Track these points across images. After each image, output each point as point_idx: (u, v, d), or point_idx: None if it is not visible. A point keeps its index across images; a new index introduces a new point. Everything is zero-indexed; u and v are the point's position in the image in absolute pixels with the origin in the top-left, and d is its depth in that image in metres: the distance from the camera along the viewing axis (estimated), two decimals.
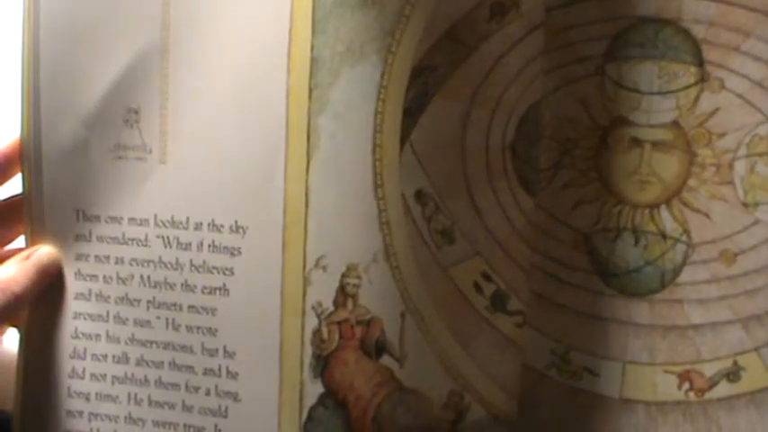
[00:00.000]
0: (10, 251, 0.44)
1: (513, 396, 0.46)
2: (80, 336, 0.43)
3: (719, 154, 0.44)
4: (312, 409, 0.42)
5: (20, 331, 0.43)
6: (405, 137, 0.43)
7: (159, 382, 0.42)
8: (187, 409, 0.42)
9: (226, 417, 0.42)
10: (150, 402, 0.42)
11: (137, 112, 0.42)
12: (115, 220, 0.42)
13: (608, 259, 0.46)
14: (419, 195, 0.44)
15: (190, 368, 0.42)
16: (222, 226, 0.41)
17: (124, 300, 0.42)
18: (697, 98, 0.44)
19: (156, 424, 0.42)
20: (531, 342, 0.46)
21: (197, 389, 0.42)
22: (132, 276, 0.42)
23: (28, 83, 0.42)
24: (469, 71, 0.45)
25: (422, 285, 0.44)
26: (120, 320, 0.42)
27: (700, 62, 0.44)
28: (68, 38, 0.42)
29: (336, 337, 0.42)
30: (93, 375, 0.43)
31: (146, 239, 0.42)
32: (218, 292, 0.41)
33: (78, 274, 0.43)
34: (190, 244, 0.42)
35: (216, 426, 0.42)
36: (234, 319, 0.41)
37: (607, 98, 0.45)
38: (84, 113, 0.42)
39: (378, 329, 0.42)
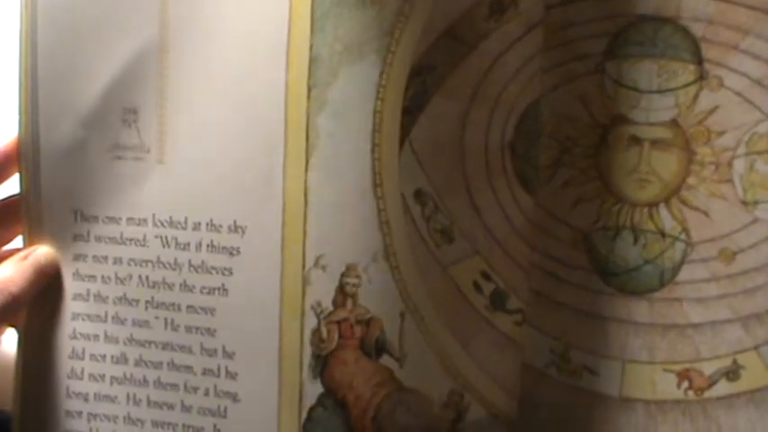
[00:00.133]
0: (8, 251, 0.44)
1: (513, 395, 0.46)
2: (78, 336, 0.43)
3: (719, 152, 0.44)
4: (311, 409, 0.42)
5: (18, 332, 0.43)
6: (404, 136, 0.43)
7: (158, 383, 0.42)
8: (186, 409, 0.42)
9: (225, 417, 0.41)
10: (149, 403, 0.42)
11: (135, 112, 0.41)
12: (113, 220, 0.42)
13: (607, 258, 0.46)
14: (418, 195, 0.44)
15: (189, 368, 0.42)
16: (221, 226, 0.41)
17: (122, 300, 0.42)
18: (696, 96, 0.44)
19: (155, 424, 0.42)
20: (531, 341, 0.46)
21: (196, 389, 0.42)
22: (131, 276, 0.42)
23: (26, 82, 0.42)
24: (468, 70, 0.45)
25: (421, 285, 0.44)
26: (119, 321, 0.42)
27: (699, 60, 0.44)
28: (66, 37, 0.41)
29: (336, 336, 0.42)
30: (91, 376, 0.43)
31: (144, 239, 0.42)
32: (216, 292, 0.41)
33: (76, 275, 0.43)
34: (188, 244, 0.41)
35: (215, 426, 0.42)
36: (233, 320, 0.41)
37: (606, 96, 0.45)
38: (83, 113, 0.42)
39: (377, 329, 0.42)
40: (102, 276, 0.42)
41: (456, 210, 0.45)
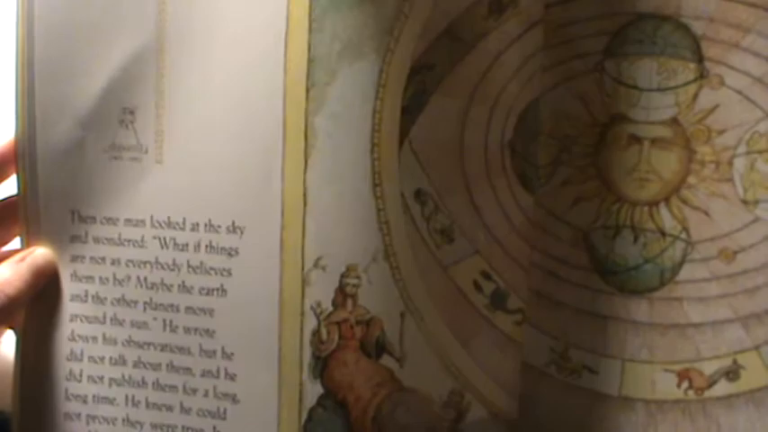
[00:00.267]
0: (5, 253, 0.43)
1: (513, 394, 0.46)
2: (77, 338, 0.42)
3: (719, 151, 0.44)
4: (312, 410, 0.41)
5: (16, 334, 0.43)
6: (403, 135, 0.43)
7: (157, 384, 0.42)
8: (185, 411, 0.42)
9: (224, 419, 0.41)
10: (148, 404, 0.42)
11: (132, 112, 0.41)
12: (111, 221, 0.42)
13: (607, 257, 0.45)
14: (418, 194, 0.44)
15: (188, 370, 0.42)
16: (219, 226, 0.41)
17: (121, 301, 0.42)
18: (696, 95, 0.44)
19: (155, 426, 0.42)
20: (531, 340, 0.46)
21: (195, 391, 0.42)
22: (129, 278, 0.42)
23: (23, 82, 0.42)
24: (468, 69, 0.44)
25: (421, 285, 0.43)
26: (117, 322, 0.42)
27: (699, 58, 0.44)
28: (63, 37, 0.41)
29: (336, 337, 0.42)
30: (90, 377, 0.42)
31: (142, 240, 0.42)
32: (215, 293, 0.41)
33: (74, 276, 0.42)
34: (187, 245, 0.41)
35: (215, 428, 0.41)
36: (232, 321, 0.41)
37: (606, 95, 0.45)
38: (80, 113, 0.41)
39: (377, 329, 0.42)
40: (101, 277, 0.42)
41: (456, 209, 0.45)
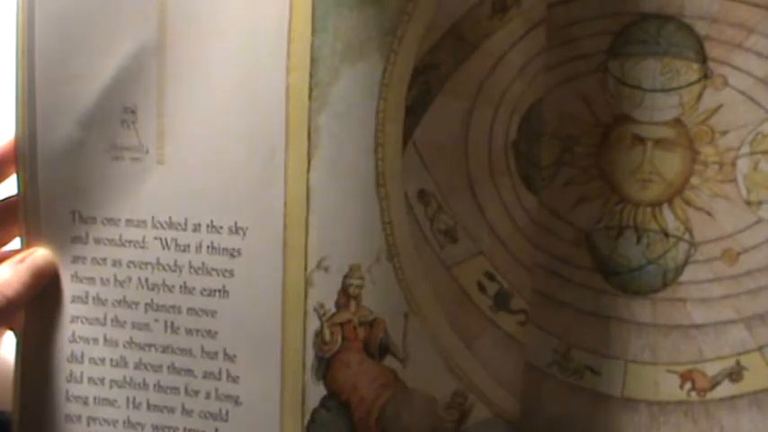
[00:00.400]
0: (5, 253, 0.43)
1: (516, 395, 0.46)
2: (77, 339, 0.42)
3: (722, 152, 0.44)
4: (315, 411, 0.41)
5: (17, 335, 0.43)
6: (407, 136, 0.43)
7: (158, 386, 0.42)
8: (187, 413, 0.41)
9: (226, 421, 0.41)
10: (149, 406, 0.42)
11: (133, 112, 0.41)
12: (112, 221, 0.42)
13: (610, 257, 0.45)
14: (422, 194, 0.44)
15: (189, 371, 0.41)
16: (221, 227, 0.41)
17: (122, 302, 0.42)
18: (700, 95, 0.44)
19: (156, 428, 0.42)
20: (534, 340, 0.46)
21: (197, 392, 0.41)
22: (130, 279, 0.42)
23: (23, 82, 0.41)
24: (472, 69, 0.44)
25: (425, 285, 0.43)
26: (118, 323, 0.42)
27: (703, 59, 0.44)
28: (64, 36, 0.41)
29: (339, 338, 0.41)
30: (91, 379, 0.42)
31: (143, 241, 0.41)
32: (217, 294, 0.41)
33: (75, 277, 0.42)
34: (188, 245, 0.41)
35: (216, 430, 0.41)
36: (234, 322, 0.41)
37: (609, 95, 0.45)
38: (81, 113, 0.41)
39: (381, 330, 0.42)
40: (102, 279, 0.42)
41: (459, 209, 0.45)
